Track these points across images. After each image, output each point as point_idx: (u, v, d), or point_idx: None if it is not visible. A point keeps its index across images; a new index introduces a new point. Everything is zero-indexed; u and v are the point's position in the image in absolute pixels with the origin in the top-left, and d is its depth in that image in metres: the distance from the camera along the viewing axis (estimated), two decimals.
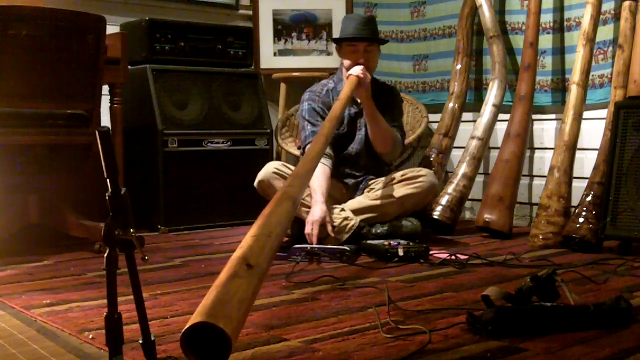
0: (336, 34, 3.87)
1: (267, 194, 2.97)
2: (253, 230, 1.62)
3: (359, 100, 3.11)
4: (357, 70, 2.93)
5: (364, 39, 3.03)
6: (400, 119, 3.26)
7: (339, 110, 2.71)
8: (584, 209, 2.92)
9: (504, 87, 3.59)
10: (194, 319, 1.25)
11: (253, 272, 1.44)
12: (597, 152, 3.05)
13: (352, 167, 3.17)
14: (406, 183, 3.04)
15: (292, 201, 1.88)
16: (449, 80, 3.88)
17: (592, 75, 3.28)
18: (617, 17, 3.23)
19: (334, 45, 4.12)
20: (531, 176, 3.69)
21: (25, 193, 2.97)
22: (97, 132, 1.20)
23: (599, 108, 3.32)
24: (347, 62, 3.05)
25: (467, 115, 3.85)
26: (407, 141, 3.66)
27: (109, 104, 3.21)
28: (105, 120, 3.22)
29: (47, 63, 2.71)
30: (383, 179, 3.13)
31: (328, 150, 3.01)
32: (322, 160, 2.95)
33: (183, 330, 1.24)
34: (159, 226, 3.47)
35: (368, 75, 2.95)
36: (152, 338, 1.32)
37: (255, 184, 3.03)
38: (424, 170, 3.11)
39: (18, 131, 2.74)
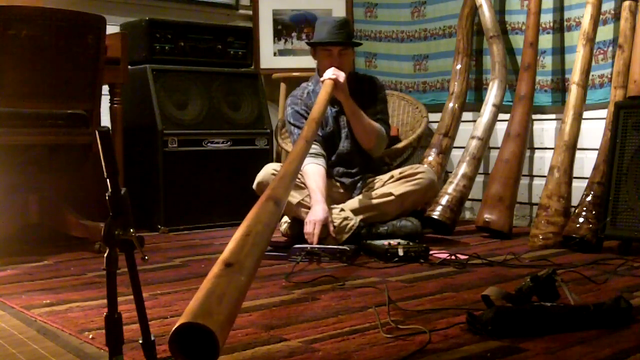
0: None
1: None
2: (234, 235, 1.63)
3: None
4: (329, 73, 2.94)
5: (337, 44, 3.04)
6: (385, 109, 3.25)
7: (317, 113, 2.73)
8: (584, 209, 2.92)
9: (504, 87, 3.59)
10: (176, 324, 1.25)
11: (233, 270, 1.45)
12: (597, 152, 3.05)
13: (347, 165, 3.17)
14: (405, 180, 3.04)
15: (274, 202, 1.89)
16: (449, 80, 3.89)
17: (592, 75, 3.28)
18: (617, 17, 3.23)
19: None
20: (531, 176, 3.69)
21: (25, 193, 2.97)
22: (97, 132, 1.20)
23: (599, 108, 3.32)
24: (321, 66, 3.06)
25: (467, 115, 3.85)
26: (407, 141, 3.68)
27: (109, 104, 3.21)
28: (105, 120, 3.22)
29: (47, 63, 2.71)
30: (381, 177, 3.13)
31: (319, 150, 3.03)
32: (315, 160, 2.96)
33: (169, 337, 1.24)
34: (159, 226, 3.47)
35: (342, 74, 2.95)
36: (152, 338, 1.31)
37: (254, 185, 3.03)
38: (422, 167, 3.11)
39: (18, 131, 2.74)
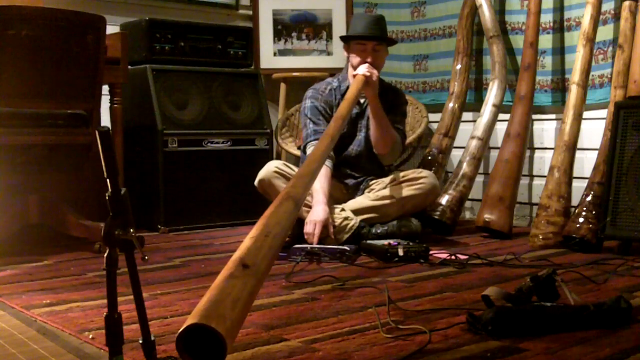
0: (336, 33, 3.88)
1: (268, 193, 2.98)
2: (252, 232, 1.62)
3: (361, 101, 3.11)
4: (364, 69, 2.93)
5: (373, 38, 3.03)
6: (403, 122, 3.25)
7: (345, 110, 2.68)
8: (584, 209, 2.92)
9: (504, 87, 3.59)
10: (187, 321, 1.25)
11: (249, 272, 1.44)
12: (597, 152, 3.05)
13: (352, 168, 3.16)
14: (407, 184, 3.04)
15: (294, 201, 1.86)
16: (449, 80, 3.89)
17: (592, 75, 3.28)
18: (617, 17, 3.23)
19: (334, 45, 4.15)
20: (531, 176, 3.69)
21: (25, 193, 2.97)
22: (97, 132, 1.20)
23: (599, 108, 3.32)
24: (354, 61, 3.04)
25: (467, 115, 3.85)
26: (407, 141, 3.67)
27: (109, 104, 3.21)
28: (105, 120, 3.22)
29: (47, 63, 2.71)
30: (384, 179, 3.13)
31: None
32: None
33: (177, 334, 1.24)
34: (159, 226, 3.47)
35: (375, 72, 2.95)
36: (152, 338, 1.32)
37: (255, 183, 3.03)
38: (425, 172, 3.11)
39: (18, 131, 2.74)
